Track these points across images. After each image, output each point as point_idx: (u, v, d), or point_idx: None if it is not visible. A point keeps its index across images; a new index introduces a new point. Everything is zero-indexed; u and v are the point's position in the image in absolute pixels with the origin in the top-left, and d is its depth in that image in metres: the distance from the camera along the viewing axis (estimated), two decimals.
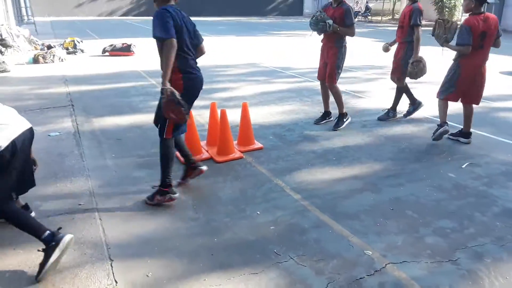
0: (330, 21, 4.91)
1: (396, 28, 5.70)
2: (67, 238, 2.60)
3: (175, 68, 3.16)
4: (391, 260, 2.77)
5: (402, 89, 5.81)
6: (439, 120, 4.96)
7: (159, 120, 3.40)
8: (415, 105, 5.96)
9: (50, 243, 2.54)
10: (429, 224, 3.21)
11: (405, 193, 3.72)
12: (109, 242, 2.93)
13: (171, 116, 3.13)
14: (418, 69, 5.32)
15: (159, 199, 3.44)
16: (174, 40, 3.05)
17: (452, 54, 4.83)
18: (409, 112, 6.01)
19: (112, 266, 2.68)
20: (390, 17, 32.05)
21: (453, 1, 26.47)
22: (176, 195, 3.47)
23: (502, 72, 9.95)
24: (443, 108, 4.96)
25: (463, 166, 4.30)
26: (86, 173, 4.03)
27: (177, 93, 3.06)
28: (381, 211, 3.41)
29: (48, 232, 2.57)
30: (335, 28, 4.95)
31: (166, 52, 3.03)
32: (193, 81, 3.35)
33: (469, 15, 4.56)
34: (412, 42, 5.31)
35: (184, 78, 3.25)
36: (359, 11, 32.08)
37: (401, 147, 4.86)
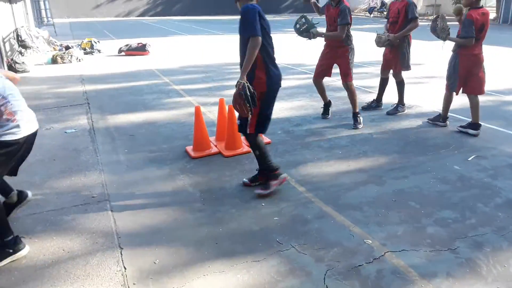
0: (314, 30, 5.08)
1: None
2: (23, 252, 2.79)
3: (261, 62, 3.29)
4: (390, 248, 2.84)
5: (402, 82, 5.87)
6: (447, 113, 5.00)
7: (242, 118, 3.48)
8: (379, 103, 6.15)
9: (9, 248, 2.74)
10: (431, 215, 3.26)
11: (409, 185, 3.77)
12: (120, 232, 3.08)
13: (236, 108, 3.27)
14: (385, 43, 5.57)
15: (274, 183, 3.56)
16: (260, 38, 3.17)
17: (451, 46, 4.96)
18: (369, 106, 6.15)
19: (121, 254, 2.82)
20: None
21: None
22: (285, 174, 3.64)
23: None
24: (447, 98, 5.15)
25: (469, 159, 4.31)
26: (99, 168, 4.20)
27: (248, 89, 3.17)
28: (384, 202, 3.47)
29: (12, 236, 2.78)
30: (319, 35, 5.14)
31: (251, 48, 3.15)
32: (274, 78, 3.41)
33: (468, 9, 4.66)
34: (407, 35, 5.49)
35: (267, 74, 3.34)
36: (375, 7, 31.77)
37: (408, 140, 4.89)
